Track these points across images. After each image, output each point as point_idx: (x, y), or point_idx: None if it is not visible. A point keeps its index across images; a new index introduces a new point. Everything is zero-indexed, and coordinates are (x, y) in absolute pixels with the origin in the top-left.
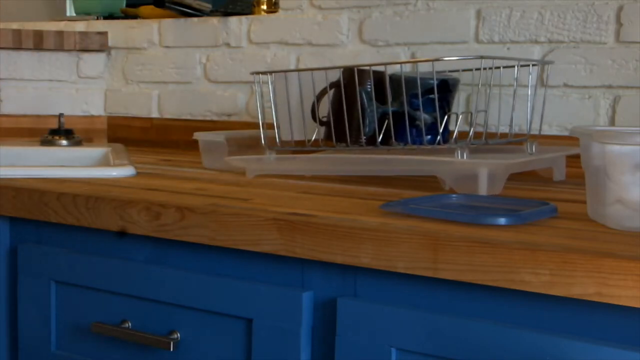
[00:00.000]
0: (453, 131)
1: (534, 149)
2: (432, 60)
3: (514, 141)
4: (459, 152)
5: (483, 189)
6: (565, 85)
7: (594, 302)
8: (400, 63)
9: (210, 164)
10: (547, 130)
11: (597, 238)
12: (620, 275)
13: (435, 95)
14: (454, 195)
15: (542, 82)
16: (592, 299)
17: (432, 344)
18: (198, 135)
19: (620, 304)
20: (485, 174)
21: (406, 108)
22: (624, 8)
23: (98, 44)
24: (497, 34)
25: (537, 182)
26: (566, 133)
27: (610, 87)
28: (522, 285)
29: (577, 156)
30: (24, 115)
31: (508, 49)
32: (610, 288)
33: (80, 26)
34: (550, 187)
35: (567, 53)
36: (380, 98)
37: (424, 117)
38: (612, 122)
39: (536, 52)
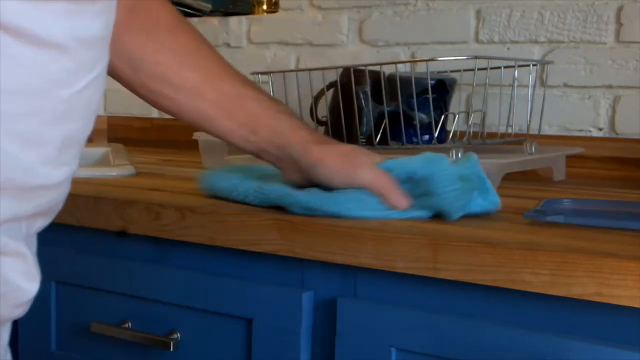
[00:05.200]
0: (450, 131)
1: (533, 149)
2: (427, 61)
3: (512, 141)
4: (454, 151)
5: None
6: (565, 85)
7: (594, 302)
8: (395, 63)
9: (210, 163)
10: (547, 130)
11: (597, 238)
12: (620, 275)
13: (430, 95)
14: (565, 200)
15: (541, 82)
16: (592, 299)
17: (432, 344)
18: (198, 135)
19: (620, 304)
20: None
21: (401, 108)
22: (624, 8)
23: None
24: (497, 34)
25: (537, 182)
26: (566, 133)
27: (610, 87)
28: (522, 285)
29: (577, 156)
30: None
31: (508, 49)
32: (610, 288)
33: None
34: (550, 187)
35: (567, 53)
36: (379, 98)
37: (421, 117)
38: (612, 122)
39: (536, 52)
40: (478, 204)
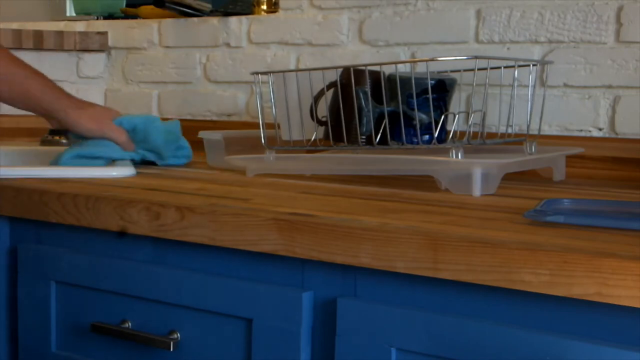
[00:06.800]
0: (450, 131)
1: (533, 149)
2: (427, 61)
3: (512, 141)
4: (454, 151)
5: (477, 189)
6: (565, 85)
7: (594, 302)
8: (396, 63)
9: (214, 162)
10: (547, 130)
11: (597, 238)
12: (620, 275)
13: (430, 95)
14: (565, 200)
15: (542, 82)
16: (592, 299)
17: (432, 344)
18: (203, 134)
19: (620, 304)
20: (479, 173)
21: (401, 108)
22: (624, 8)
23: (98, 44)
24: (497, 34)
25: (537, 182)
26: (566, 133)
27: (610, 87)
28: (522, 285)
29: (577, 156)
30: (24, 115)
31: (508, 49)
32: (610, 288)
33: (80, 26)
34: (550, 187)
35: (567, 53)
36: (379, 98)
37: (421, 117)
38: (612, 122)
39: (536, 52)
40: (179, 155)
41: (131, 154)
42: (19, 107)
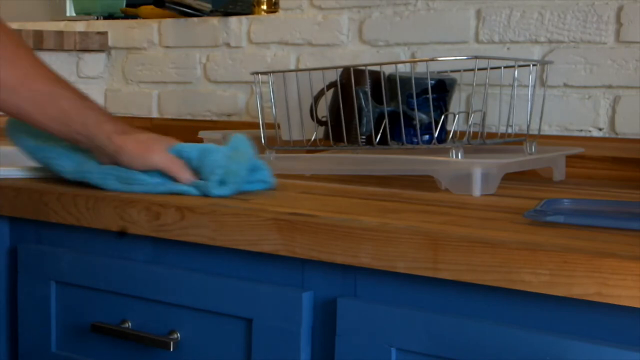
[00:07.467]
0: (450, 131)
1: (533, 149)
2: (427, 61)
3: (512, 141)
4: (454, 151)
5: (477, 189)
6: (565, 85)
7: (594, 302)
8: (395, 63)
9: None
10: (547, 130)
11: (597, 238)
12: (620, 275)
13: (430, 95)
14: (565, 200)
15: (542, 82)
16: (592, 299)
17: (432, 344)
18: (203, 134)
19: (620, 304)
20: (479, 173)
21: (401, 108)
22: (624, 8)
23: (98, 44)
24: (497, 34)
25: (537, 182)
26: (566, 133)
27: (610, 87)
28: (522, 285)
29: (577, 156)
30: None
31: (508, 49)
32: (610, 288)
33: (80, 26)
34: (550, 187)
35: (567, 53)
36: (379, 98)
37: (421, 117)
38: (612, 122)
39: (536, 52)
40: (253, 181)
41: (186, 187)
42: (53, 133)
